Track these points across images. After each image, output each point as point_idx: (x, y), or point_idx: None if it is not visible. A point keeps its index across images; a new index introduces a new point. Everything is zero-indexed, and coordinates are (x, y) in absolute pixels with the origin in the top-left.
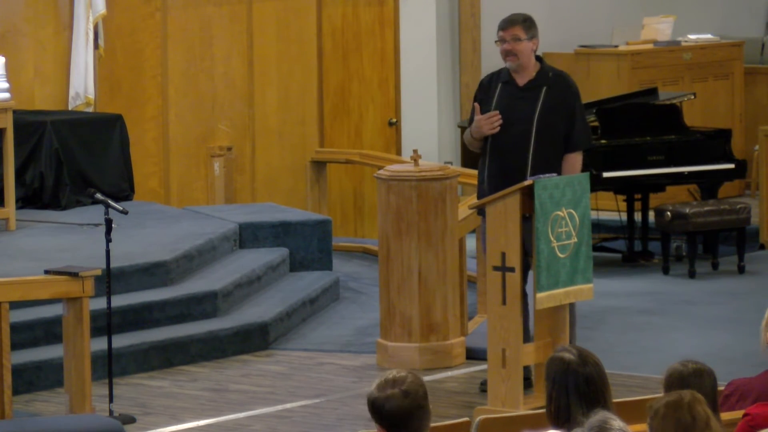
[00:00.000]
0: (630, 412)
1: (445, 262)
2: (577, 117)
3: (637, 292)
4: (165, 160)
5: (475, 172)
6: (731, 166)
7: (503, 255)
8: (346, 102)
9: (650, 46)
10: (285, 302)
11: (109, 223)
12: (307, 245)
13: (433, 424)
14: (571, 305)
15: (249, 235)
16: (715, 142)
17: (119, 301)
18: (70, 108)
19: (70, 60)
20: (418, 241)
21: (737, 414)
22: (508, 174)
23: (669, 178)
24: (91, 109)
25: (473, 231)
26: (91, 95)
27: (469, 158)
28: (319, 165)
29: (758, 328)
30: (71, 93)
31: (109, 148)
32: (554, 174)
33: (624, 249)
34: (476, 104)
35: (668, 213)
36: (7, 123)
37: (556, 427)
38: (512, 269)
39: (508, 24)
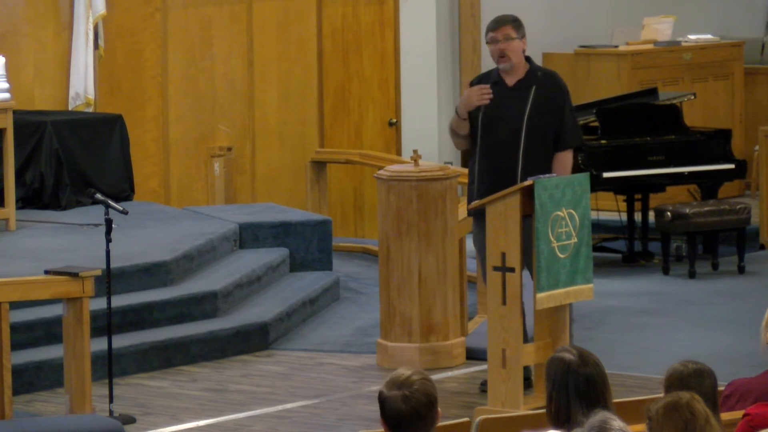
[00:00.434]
0: (630, 412)
1: (445, 263)
2: (567, 116)
3: (637, 292)
4: (165, 161)
5: None
6: (731, 166)
7: (503, 255)
8: (346, 102)
9: (650, 46)
10: (285, 302)
11: (109, 223)
12: (307, 245)
13: None
14: (569, 305)
15: (249, 236)
16: (715, 143)
17: (119, 301)
18: (70, 108)
19: (70, 60)
20: (418, 242)
21: (737, 414)
22: (498, 173)
23: (669, 179)
24: (91, 110)
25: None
26: (91, 95)
27: (469, 159)
28: (319, 165)
29: (758, 328)
30: (71, 93)
31: (109, 148)
32: (554, 174)
33: (624, 249)
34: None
35: (668, 213)
36: (7, 123)
37: (556, 427)
38: (512, 269)
39: (498, 24)
